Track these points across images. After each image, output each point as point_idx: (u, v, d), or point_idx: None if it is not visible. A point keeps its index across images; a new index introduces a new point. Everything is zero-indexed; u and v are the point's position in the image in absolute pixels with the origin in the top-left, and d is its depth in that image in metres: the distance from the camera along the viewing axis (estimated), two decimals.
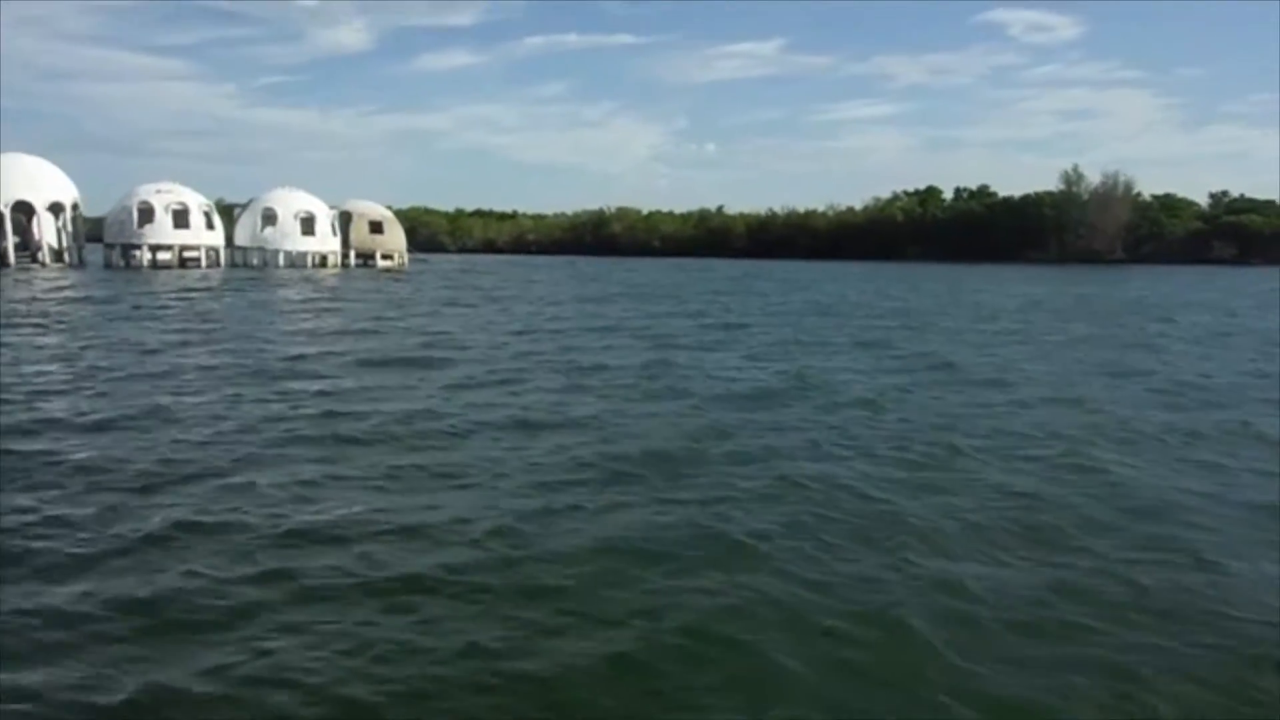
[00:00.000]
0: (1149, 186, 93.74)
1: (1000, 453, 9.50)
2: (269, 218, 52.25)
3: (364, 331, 21.16)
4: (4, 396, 11.59)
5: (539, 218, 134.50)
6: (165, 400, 11.58)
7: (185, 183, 50.28)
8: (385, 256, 59.21)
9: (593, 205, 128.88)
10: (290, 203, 52.72)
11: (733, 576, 5.92)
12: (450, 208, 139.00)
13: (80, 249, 49.38)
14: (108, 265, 48.71)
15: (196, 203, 49.63)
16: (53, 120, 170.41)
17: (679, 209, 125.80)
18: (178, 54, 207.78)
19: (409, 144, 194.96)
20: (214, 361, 15.38)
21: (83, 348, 16.87)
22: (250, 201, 54.09)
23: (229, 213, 54.78)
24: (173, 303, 28.58)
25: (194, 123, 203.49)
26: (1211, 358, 18.66)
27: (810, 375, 14.82)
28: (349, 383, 13.43)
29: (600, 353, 17.62)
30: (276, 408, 11.28)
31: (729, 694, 4.55)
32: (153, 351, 16.59)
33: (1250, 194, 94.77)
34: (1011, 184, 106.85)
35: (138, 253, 48.32)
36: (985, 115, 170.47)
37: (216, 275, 45.46)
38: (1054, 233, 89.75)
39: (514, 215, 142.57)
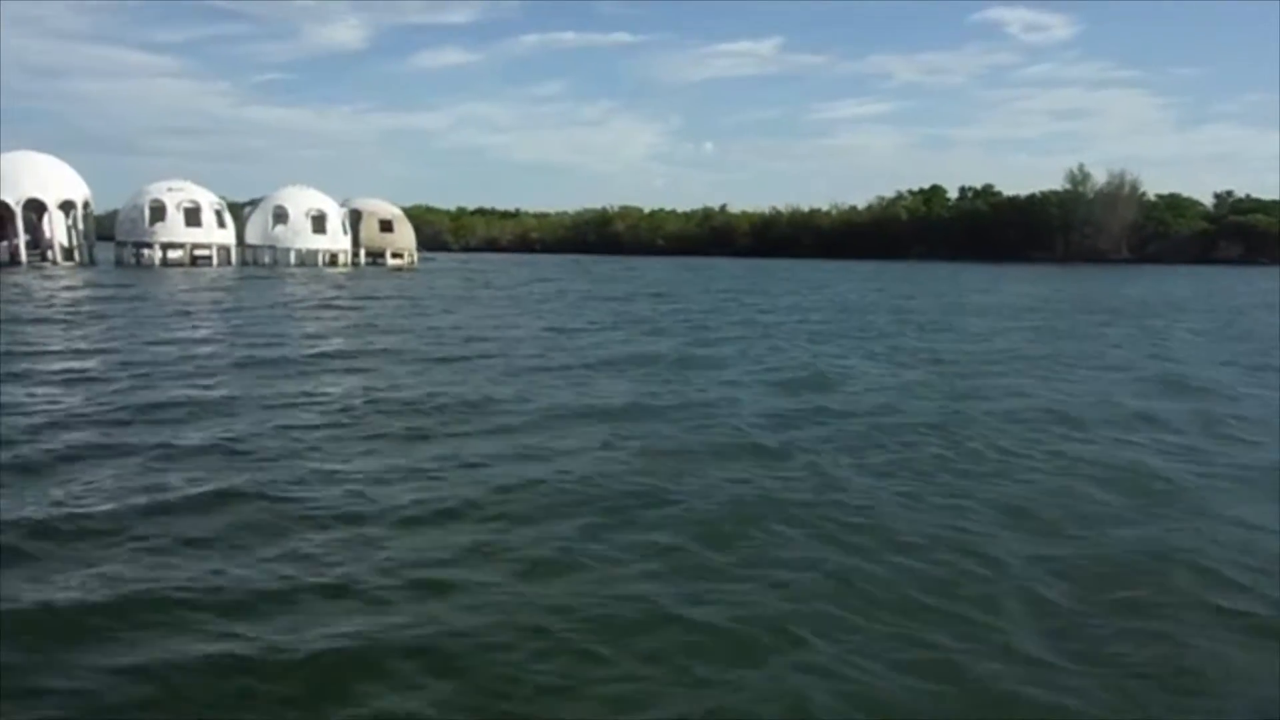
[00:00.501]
0: (1146, 186, 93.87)
1: None
2: (280, 216, 52.05)
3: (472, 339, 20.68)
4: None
5: (542, 216, 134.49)
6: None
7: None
8: (395, 255, 59.04)
9: (590, 204, 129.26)
10: (301, 201, 52.52)
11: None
12: (448, 206, 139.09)
13: (91, 247, 49.17)
14: (119, 263, 48.53)
15: (208, 201, 49.45)
16: (45, 118, 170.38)
17: (678, 208, 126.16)
18: (171, 51, 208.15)
19: (405, 142, 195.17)
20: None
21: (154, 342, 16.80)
22: (261, 199, 53.88)
23: (236, 211, 54.66)
24: (229, 301, 28.45)
25: (188, 120, 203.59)
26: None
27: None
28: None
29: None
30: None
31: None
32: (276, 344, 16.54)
33: (1246, 193, 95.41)
34: (1005, 183, 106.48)
35: (149, 251, 48.14)
36: (980, 114, 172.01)
37: (230, 274, 45.39)
38: (1060, 232, 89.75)
39: (517, 214, 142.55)
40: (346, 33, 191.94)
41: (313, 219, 52.37)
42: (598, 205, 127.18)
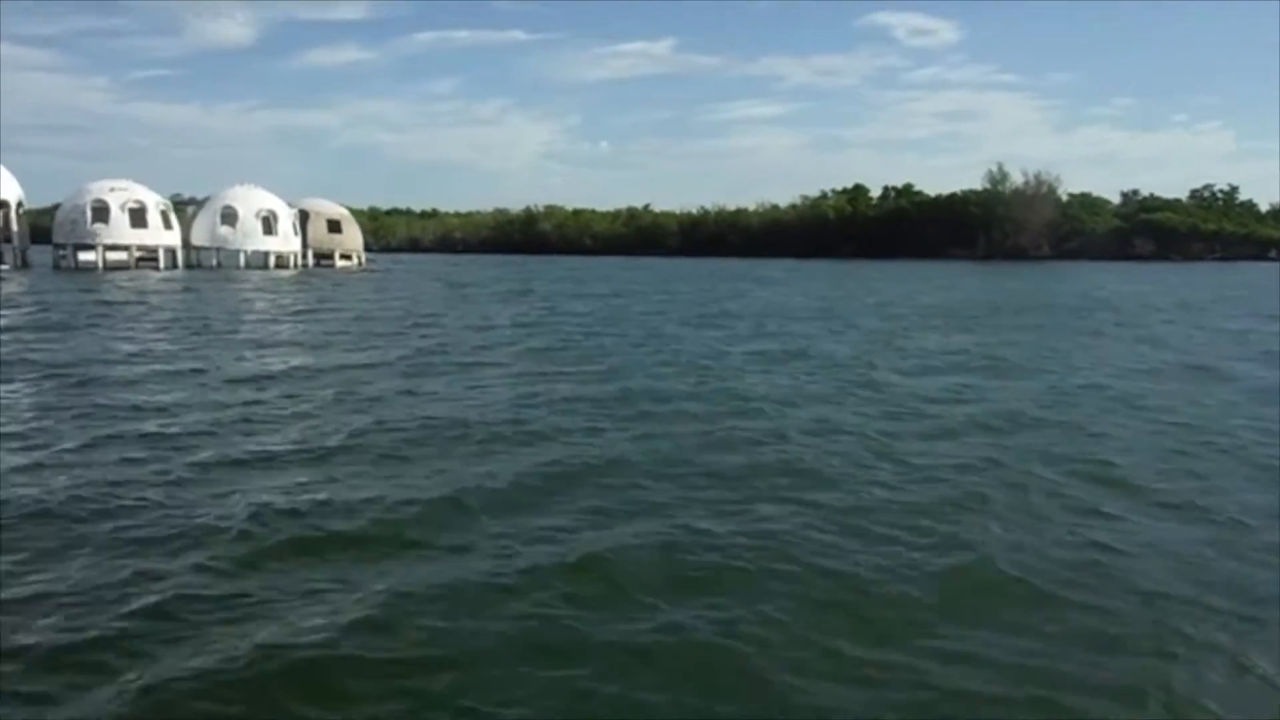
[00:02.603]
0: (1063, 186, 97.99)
1: None
2: (229, 216, 49.96)
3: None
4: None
5: (465, 216, 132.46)
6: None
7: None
8: (344, 256, 57.45)
9: (484, 204, 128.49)
10: (251, 201, 50.51)
11: None
12: (341, 205, 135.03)
13: (25, 250, 46.29)
14: (56, 267, 45.80)
15: (153, 201, 47.11)
16: None
17: (597, 207, 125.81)
18: (42, 44, 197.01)
19: (297, 141, 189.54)
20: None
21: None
22: (206, 199, 51.68)
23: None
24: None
25: (62, 117, 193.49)
26: None
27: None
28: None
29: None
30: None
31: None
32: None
33: (1150, 193, 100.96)
34: (897, 183, 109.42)
35: (90, 254, 45.53)
36: (870, 116, 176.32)
37: (181, 276, 43.33)
38: (981, 230, 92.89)
39: (435, 213, 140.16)
40: (234, 29, 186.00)
41: (263, 220, 50.44)
42: (491, 205, 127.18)
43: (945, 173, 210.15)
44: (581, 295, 35.54)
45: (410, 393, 12.29)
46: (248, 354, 16.27)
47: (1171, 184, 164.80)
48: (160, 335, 19.31)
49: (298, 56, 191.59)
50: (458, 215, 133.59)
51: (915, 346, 19.00)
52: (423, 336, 19.76)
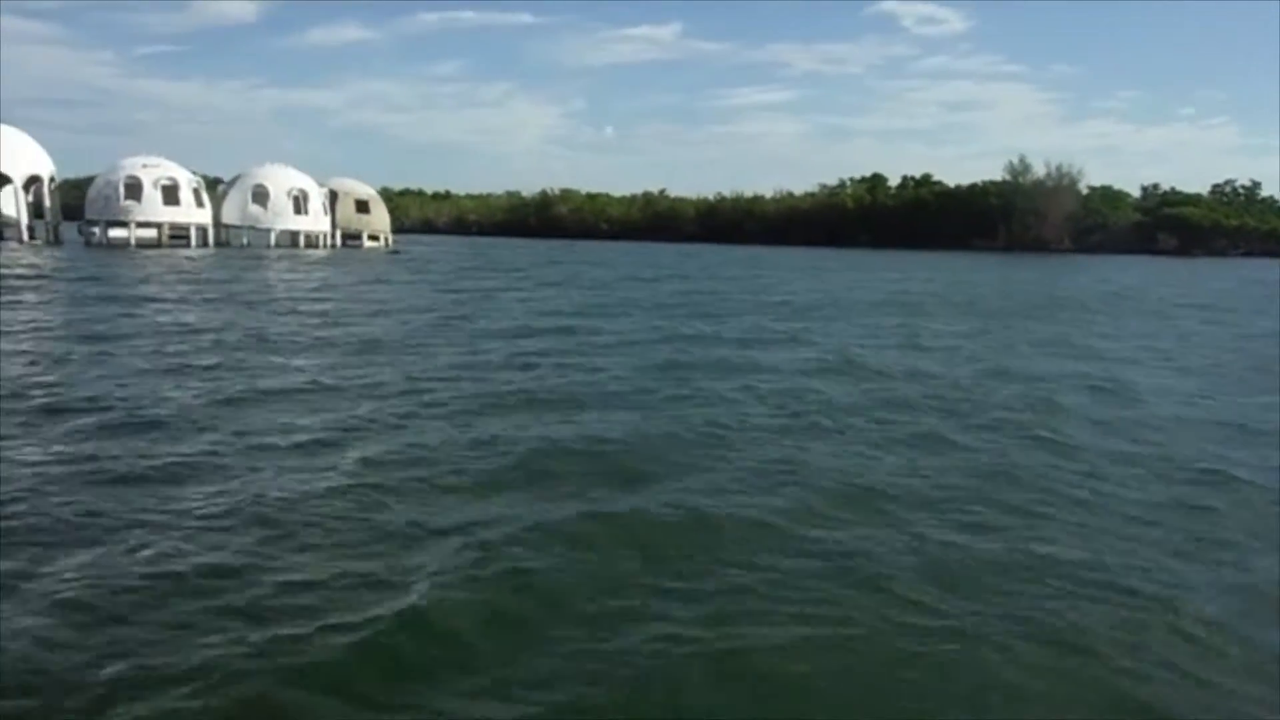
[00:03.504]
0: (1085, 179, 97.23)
1: None
2: (260, 195, 49.61)
3: None
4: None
5: (479, 198, 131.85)
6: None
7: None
8: (372, 237, 57.17)
9: (487, 187, 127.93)
10: (281, 180, 50.19)
11: None
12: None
13: (57, 225, 45.98)
14: (88, 243, 45.46)
15: (185, 178, 46.84)
16: None
17: (579, 189, 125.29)
18: (46, 17, 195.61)
19: (299, 119, 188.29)
20: None
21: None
22: (237, 178, 51.23)
23: None
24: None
25: (66, 91, 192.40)
26: None
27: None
28: None
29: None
30: None
31: None
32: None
33: (1171, 186, 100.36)
34: (898, 173, 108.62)
35: (124, 230, 45.19)
36: (876, 104, 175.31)
37: (209, 254, 43.04)
38: (1002, 222, 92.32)
39: (448, 195, 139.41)
40: (237, 6, 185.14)
41: (294, 199, 50.09)
42: (493, 188, 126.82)
43: (950, 163, 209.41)
44: (632, 280, 35.15)
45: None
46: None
47: (1176, 178, 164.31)
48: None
49: (300, 34, 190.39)
50: (471, 197, 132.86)
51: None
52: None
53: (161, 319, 18.31)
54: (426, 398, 10.91)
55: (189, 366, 12.63)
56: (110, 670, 4.38)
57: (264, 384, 11.53)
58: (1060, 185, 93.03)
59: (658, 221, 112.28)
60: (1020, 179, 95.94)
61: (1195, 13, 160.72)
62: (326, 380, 11.89)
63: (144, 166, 45.67)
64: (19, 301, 20.46)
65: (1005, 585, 5.80)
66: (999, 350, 17.42)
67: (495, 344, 16.04)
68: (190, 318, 18.77)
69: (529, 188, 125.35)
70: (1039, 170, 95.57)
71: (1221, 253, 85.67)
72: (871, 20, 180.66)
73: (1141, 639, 5.13)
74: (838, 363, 14.91)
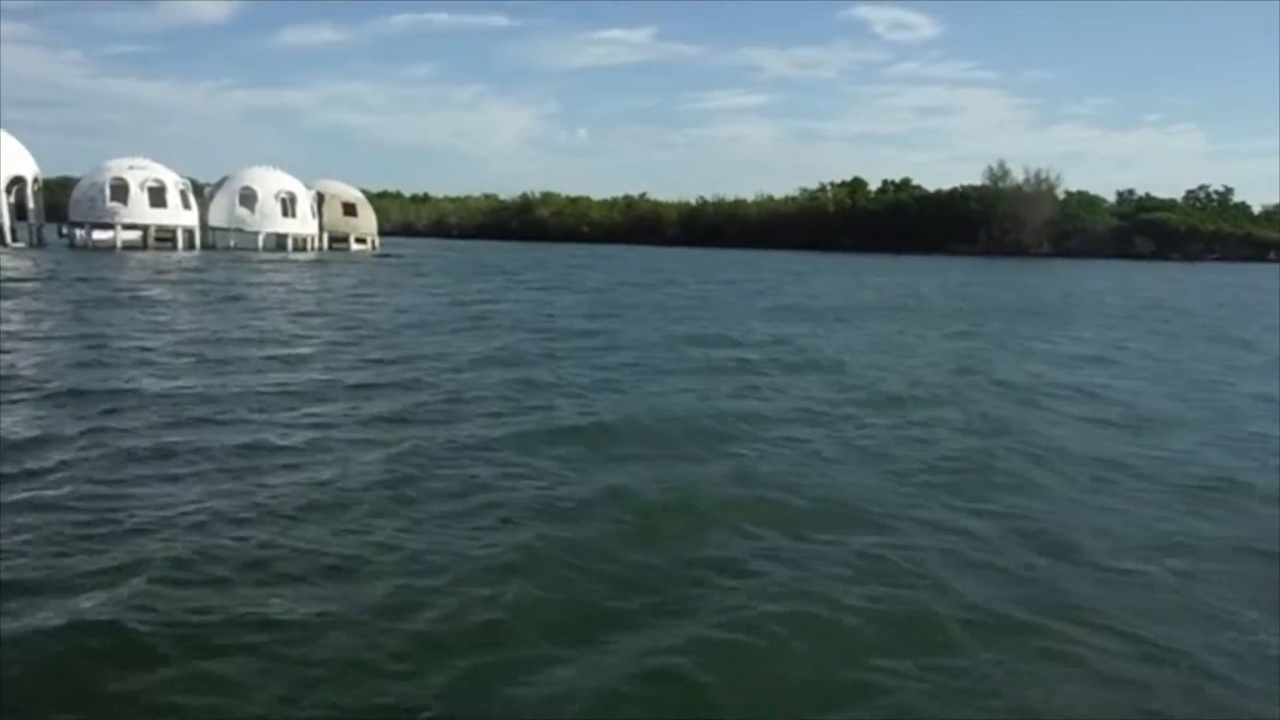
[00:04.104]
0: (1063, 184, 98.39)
1: None
2: (247, 198, 49.09)
3: None
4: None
5: (458, 200, 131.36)
6: None
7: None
8: (359, 240, 56.86)
9: (462, 189, 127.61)
10: (270, 182, 49.71)
11: None
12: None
13: (40, 227, 45.24)
14: (72, 245, 44.78)
15: (172, 180, 46.20)
16: None
17: (555, 192, 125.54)
18: (11, 16, 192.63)
19: (270, 120, 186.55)
20: None
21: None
22: (224, 180, 50.67)
23: None
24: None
25: (31, 91, 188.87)
26: None
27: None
28: None
29: None
30: None
31: None
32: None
33: (1146, 192, 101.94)
34: (873, 177, 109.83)
35: (109, 233, 44.54)
36: (849, 109, 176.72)
37: (195, 257, 42.49)
38: (982, 226, 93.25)
39: (427, 198, 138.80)
40: (208, 5, 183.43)
41: (282, 201, 49.64)
42: (468, 190, 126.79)
43: (923, 167, 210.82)
44: (631, 284, 35.01)
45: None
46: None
47: (1145, 183, 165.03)
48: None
49: (272, 35, 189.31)
50: (451, 200, 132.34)
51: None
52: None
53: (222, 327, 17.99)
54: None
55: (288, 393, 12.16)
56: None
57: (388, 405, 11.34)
58: (1039, 190, 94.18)
59: (640, 225, 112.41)
60: (1000, 184, 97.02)
61: (1162, 20, 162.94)
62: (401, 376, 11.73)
63: (130, 168, 45.01)
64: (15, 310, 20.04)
65: (1000, 579, 5.88)
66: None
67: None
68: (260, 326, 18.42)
69: (506, 190, 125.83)
70: (1018, 175, 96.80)
71: (1198, 257, 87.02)
72: (843, 25, 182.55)
73: (1139, 632, 5.13)
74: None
